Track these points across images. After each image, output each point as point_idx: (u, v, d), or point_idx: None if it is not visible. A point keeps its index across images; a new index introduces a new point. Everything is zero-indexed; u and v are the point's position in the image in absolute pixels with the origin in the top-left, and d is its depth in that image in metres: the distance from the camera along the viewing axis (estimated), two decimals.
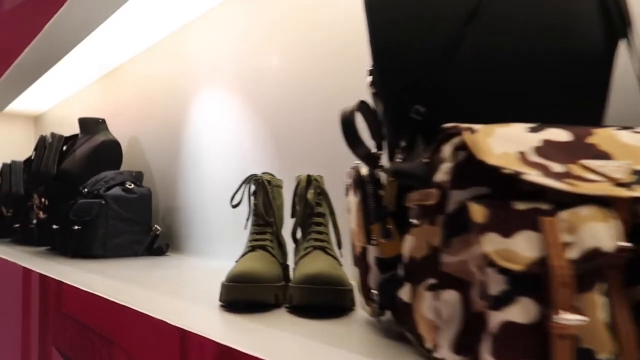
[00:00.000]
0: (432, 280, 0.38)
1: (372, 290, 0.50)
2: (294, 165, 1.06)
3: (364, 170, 0.52)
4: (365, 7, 0.50)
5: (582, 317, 0.31)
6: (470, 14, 0.47)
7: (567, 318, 0.31)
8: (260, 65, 1.17)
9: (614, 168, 0.35)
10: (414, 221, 0.42)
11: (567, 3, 0.48)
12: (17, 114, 2.89)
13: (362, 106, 0.52)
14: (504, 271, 0.33)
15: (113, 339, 0.70)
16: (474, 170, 0.37)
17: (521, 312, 0.32)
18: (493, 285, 0.33)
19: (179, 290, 0.78)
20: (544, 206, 0.34)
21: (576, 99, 0.48)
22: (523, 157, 0.36)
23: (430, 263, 0.39)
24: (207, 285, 0.83)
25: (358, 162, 0.57)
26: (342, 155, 0.94)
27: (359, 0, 0.93)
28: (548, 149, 0.37)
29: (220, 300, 0.63)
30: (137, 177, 1.49)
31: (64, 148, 1.66)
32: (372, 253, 0.50)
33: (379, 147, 0.52)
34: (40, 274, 1.01)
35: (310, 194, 0.71)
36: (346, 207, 0.56)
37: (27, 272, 1.10)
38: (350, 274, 0.80)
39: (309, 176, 0.73)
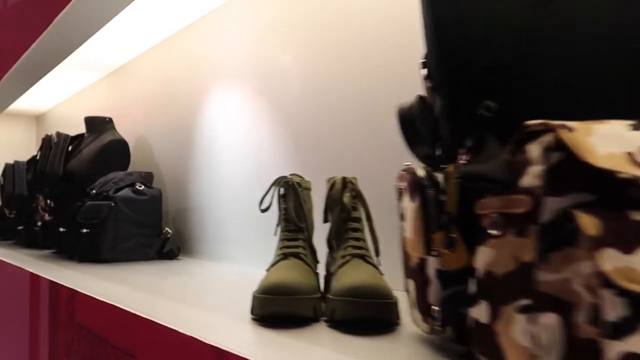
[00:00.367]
0: (525, 301, 0.33)
1: (432, 307, 0.45)
2: (317, 167, 1.01)
3: (421, 172, 0.47)
4: None
5: None
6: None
7: None
8: (278, 64, 1.12)
9: None
10: (493, 232, 0.37)
11: None
12: (18, 113, 2.84)
13: (419, 102, 0.47)
14: (624, 293, 0.28)
15: (135, 354, 0.65)
16: (572, 174, 0.32)
17: None
18: (610, 309, 0.28)
19: (202, 300, 0.73)
20: None
21: None
22: (632, 159, 0.32)
23: (519, 280, 0.34)
24: (230, 294, 0.78)
25: (408, 163, 0.52)
26: (366, 157, 0.89)
27: None
28: None
29: (253, 313, 0.58)
30: (147, 178, 1.43)
31: (70, 148, 1.61)
32: (433, 265, 0.45)
33: (433, 147, 0.47)
34: (50, 281, 0.96)
35: (346, 197, 0.66)
36: (398, 213, 0.51)
37: (35, 278, 1.05)
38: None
39: (344, 178, 0.68)
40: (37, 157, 1.54)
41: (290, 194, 0.70)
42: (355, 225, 0.66)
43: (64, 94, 2.37)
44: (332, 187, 0.68)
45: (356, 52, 0.94)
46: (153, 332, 0.61)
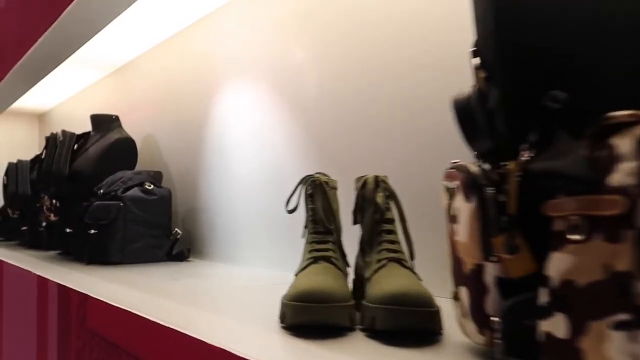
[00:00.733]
0: (623, 316, 0.29)
1: (491, 317, 0.41)
2: (335, 165, 0.97)
3: (476, 169, 0.43)
4: None
5: None
6: None
7: None
8: (293, 58, 1.08)
9: None
10: (573, 236, 0.33)
11: None
12: (20, 112, 2.80)
13: (478, 93, 0.43)
14: None
15: None
16: None
17: None
18: None
19: (222, 306, 0.69)
20: None
21: None
22: None
23: (611, 292, 0.30)
24: (250, 299, 0.74)
25: (455, 161, 0.48)
26: (388, 155, 0.85)
27: None
28: None
29: (284, 322, 0.54)
30: (156, 177, 1.39)
31: (75, 147, 1.56)
32: (491, 271, 0.41)
33: (497, 142, 0.43)
34: (59, 284, 0.91)
35: (379, 197, 0.62)
36: (447, 215, 0.46)
37: (42, 281, 1.01)
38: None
39: (376, 177, 0.64)
40: (42, 156, 1.49)
41: (318, 194, 0.66)
42: (388, 227, 0.61)
43: (67, 92, 2.33)
44: (363, 186, 0.64)
45: (375, 46, 0.89)
46: (172, 340, 0.57)
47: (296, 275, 0.61)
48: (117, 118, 1.61)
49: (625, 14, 0.39)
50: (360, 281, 0.63)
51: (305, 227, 0.66)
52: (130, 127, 1.79)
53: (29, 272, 1.10)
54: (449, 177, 0.46)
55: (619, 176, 0.31)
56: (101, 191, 1.31)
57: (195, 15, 1.41)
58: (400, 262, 0.58)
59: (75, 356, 0.84)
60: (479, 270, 0.42)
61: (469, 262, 0.43)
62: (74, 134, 1.53)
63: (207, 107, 1.38)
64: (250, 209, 1.19)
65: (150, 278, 0.97)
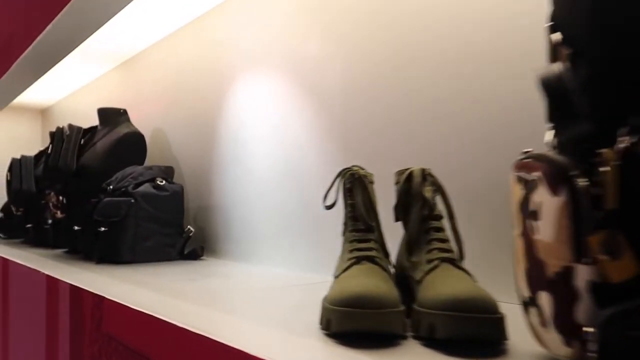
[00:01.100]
0: None
1: (584, 328, 0.35)
2: (361, 159, 0.91)
3: (562, 158, 0.38)
4: None
5: None
6: None
7: None
8: (314, 48, 1.03)
9: None
10: None
11: None
12: (23, 107, 2.74)
13: (571, 69, 0.38)
14: None
15: None
16: None
17: None
18: None
19: (252, 310, 0.64)
20: None
21: None
22: None
23: None
24: (281, 302, 0.69)
25: (527, 150, 0.43)
26: (416, 149, 0.80)
27: None
28: None
29: (328, 329, 0.49)
30: (168, 173, 1.34)
31: (81, 141, 1.51)
32: (584, 275, 0.35)
33: (597, 126, 0.38)
34: (72, 285, 0.86)
35: (427, 192, 0.57)
36: (523, 210, 0.41)
37: (52, 281, 0.96)
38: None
39: (422, 169, 0.59)
40: (49, 151, 1.44)
41: (358, 188, 0.61)
42: (437, 224, 0.56)
43: (71, 87, 2.27)
44: (408, 179, 0.59)
45: (402, 34, 0.84)
46: (202, 347, 0.52)
47: (336, 277, 0.56)
48: (125, 112, 1.55)
49: None
50: (405, 283, 0.58)
51: (345, 224, 0.61)
52: (138, 121, 1.74)
53: (38, 271, 1.05)
54: (524, 167, 0.41)
55: None
56: (111, 187, 1.26)
57: (208, 3, 1.36)
58: (453, 262, 0.53)
59: None
60: (567, 273, 0.37)
61: (554, 264, 0.38)
62: (81, 128, 1.48)
63: (220, 100, 1.33)
64: (267, 205, 1.14)
65: (165, 278, 0.92)
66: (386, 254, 0.60)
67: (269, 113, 1.15)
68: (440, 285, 0.48)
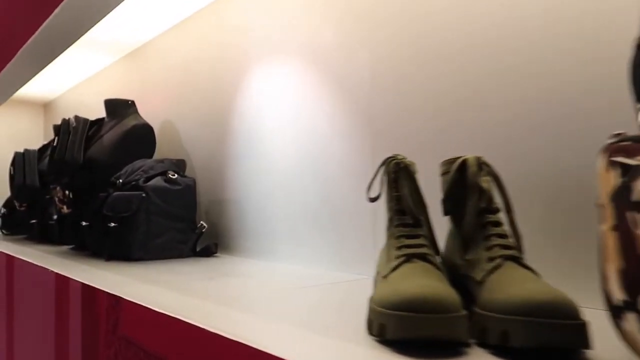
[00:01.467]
0: None
1: None
2: (386, 150, 0.86)
3: None
4: None
5: None
6: None
7: None
8: (337, 33, 0.97)
9: None
10: None
11: None
12: (25, 101, 2.68)
13: None
14: None
15: None
16: None
17: None
18: None
19: (285, 312, 0.58)
20: None
21: None
22: None
23: None
24: (314, 304, 0.64)
25: (619, 132, 0.37)
26: (445, 140, 0.75)
27: None
28: None
29: (383, 336, 0.44)
30: (180, 166, 1.29)
31: (89, 133, 1.45)
32: None
33: None
34: (84, 284, 0.81)
35: (484, 182, 0.51)
36: (621, 201, 0.36)
37: (62, 280, 0.91)
38: None
39: (477, 158, 0.53)
40: (55, 144, 1.38)
41: (404, 179, 0.55)
42: (495, 218, 0.51)
43: (75, 79, 2.21)
44: (460, 169, 0.53)
45: (431, 22, 0.78)
46: (232, 352, 0.46)
47: (384, 277, 0.50)
48: (133, 103, 1.50)
49: None
50: (460, 284, 0.52)
51: (390, 219, 0.55)
52: (145, 113, 1.68)
53: (46, 269, 0.99)
54: (621, 151, 0.36)
55: None
56: (120, 181, 1.20)
57: None
58: (517, 260, 0.48)
59: None
60: None
61: None
62: (87, 119, 1.42)
63: (234, 90, 1.27)
64: (285, 199, 1.08)
65: (182, 277, 0.87)
66: (437, 251, 0.54)
67: (288, 102, 1.09)
68: (509, 287, 0.43)
